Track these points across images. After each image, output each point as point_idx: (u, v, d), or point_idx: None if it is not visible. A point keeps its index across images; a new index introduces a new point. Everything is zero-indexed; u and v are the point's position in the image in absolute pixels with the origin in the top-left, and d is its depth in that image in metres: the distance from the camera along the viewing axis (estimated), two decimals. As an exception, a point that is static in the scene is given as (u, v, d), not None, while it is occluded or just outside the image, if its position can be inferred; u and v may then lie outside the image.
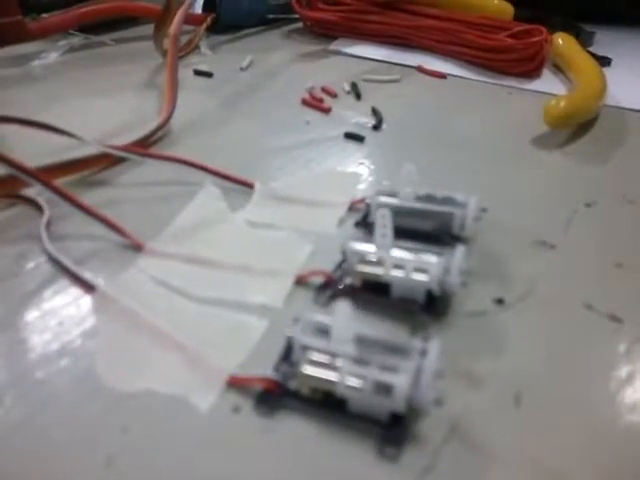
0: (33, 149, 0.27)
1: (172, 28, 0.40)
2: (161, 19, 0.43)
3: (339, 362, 0.17)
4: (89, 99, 0.38)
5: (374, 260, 0.22)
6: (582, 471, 0.16)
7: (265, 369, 0.18)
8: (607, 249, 0.25)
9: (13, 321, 0.21)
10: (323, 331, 0.19)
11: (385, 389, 0.17)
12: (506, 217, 0.27)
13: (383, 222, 0.21)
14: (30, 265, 0.23)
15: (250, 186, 0.28)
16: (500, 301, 0.22)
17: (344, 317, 0.17)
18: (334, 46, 0.50)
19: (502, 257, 0.24)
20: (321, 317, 0.19)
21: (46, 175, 0.25)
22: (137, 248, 0.24)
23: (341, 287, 0.22)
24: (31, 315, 0.21)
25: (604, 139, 0.36)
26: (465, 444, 0.17)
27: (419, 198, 0.25)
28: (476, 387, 0.19)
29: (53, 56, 0.47)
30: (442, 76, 0.45)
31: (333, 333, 0.17)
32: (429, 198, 0.25)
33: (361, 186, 0.30)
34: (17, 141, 0.29)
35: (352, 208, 0.27)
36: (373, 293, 0.22)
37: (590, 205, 0.28)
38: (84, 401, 0.18)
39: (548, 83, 0.44)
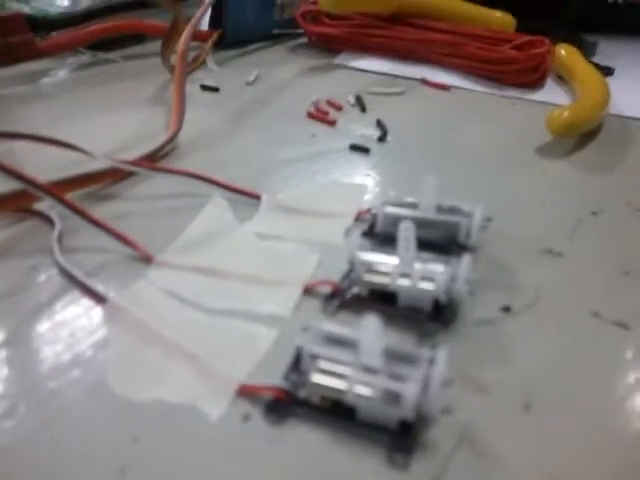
0: (43, 164, 0.28)
1: (180, 44, 0.40)
2: (168, 36, 0.44)
3: (348, 371, 0.17)
4: (98, 115, 0.39)
5: (381, 270, 0.22)
6: (593, 478, 0.16)
7: (274, 378, 0.19)
8: (614, 257, 0.25)
9: (25, 333, 0.21)
10: (332, 340, 0.19)
11: (394, 397, 0.17)
12: (512, 226, 0.27)
13: (406, 235, 0.21)
14: (42, 278, 0.24)
15: (257, 198, 0.29)
16: (507, 309, 0.22)
17: (373, 331, 0.17)
18: (339, 60, 0.50)
19: (508, 265, 0.25)
20: (330, 326, 0.19)
21: (57, 189, 0.26)
22: (147, 260, 0.24)
23: (348, 296, 0.22)
24: (43, 327, 0.21)
25: (608, 148, 0.36)
26: (474, 452, 0.17)
27: (426, 208, 0.25)
28: (484, 395, 0.19)
29: (62, 73, 0.47)
30: (446, 88, 0.45)
31: (362, 347, 0.17)
32: (436, 208, 0.25)
33: (367, 197, 0.30)
34: (27, 156, 0.30)
35: (359, 218, 0.28)
36: (380, 302, 0.22)
37: (596, 213, 0.29)
38: (96, 411, 0.18)
39: (551, 93, 0.44)
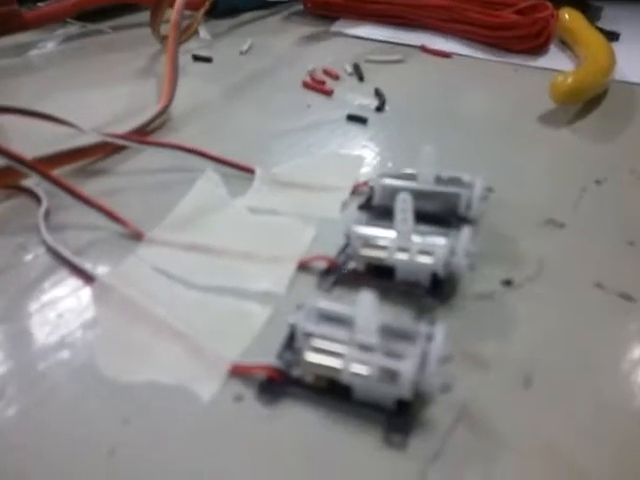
0: (31, 139, 0.27)
1: (173, 14, 0.39)
2: (157, 5, 0.43)
3: (343, 349, 0.17)
4: (87, 88, 0.38)
5: (378, 244, 0.21)
6: (594, 453, 0.16)
7: (268, 357, 0.18)
8: (618, 226, 0.25)
9: (12, 313, 0.21)
10: (327, 317, 0.18)
11: (390, 375, 0.16)
12: (514, 196, 0.26)
13: (404, 207, 0.20)
14: (29, 257, 0.23)
15: (251, 172, 0.28)
16: (508, 282, 0.22)
17: (369, 308, 0.17)
18: (335, 27, 0.49)
19: (510, 237, 0.24)
20: (325, 303, 0.18)
21: (44, 165, 0.25)
22: (137, 237, 0.24)
23: (345, 272, 0.22)
24: (30, 307, 0.21)
25: (613, 115, 0.35)
26: (474, 429, 0.17)
27: (425, 180, 0.24)
28: (485, 370, 0.18)
29: (51, 45, 0.46)
30: (446, 55, 0.44)
31: (357, 324, 0.17)
32: (435, 179, 0.24)
33: (365, 169, 0.29)
34: (15, 131, 0.29)
35: (355, 191, 0.27)
36: (377, 277, 0.21)
37: (600, 182, 0.28)
38: (85, 393, 0.18)
39: (555, 59, 0.43)
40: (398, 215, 0.21)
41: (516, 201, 0.26)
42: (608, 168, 0.29)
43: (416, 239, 0.21)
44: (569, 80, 0.33)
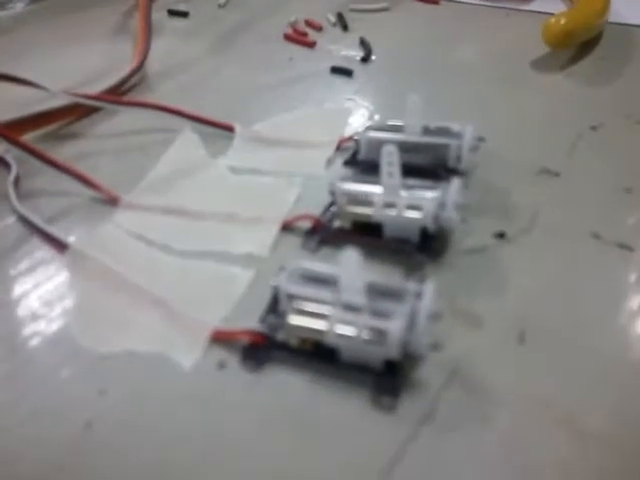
0: (-2, 103, 0.26)
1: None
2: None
3: (328, 310, 0.16)
4: (58, 48, 0.36)
5: (364, 200, 0.20)
6: (593, 408, 0.15)
7: (251, 322, 0.17)
8: (615, 174, 0.24)
9: (-17, 286, 0.20)
10: (311, 278, 0.17)
11: (378, 335, 0.15)
12: (506, 146, 0.25)
13: (390, 159, 0.19)
14: (-1, 226, 0.22)
15: (231, 130, 0.27)
16: (501, 235, 0.21)
17: (353, 266, 0.16)
18: (318, -24, 0.46)
19: (503, 189, 0.23)
20: (308, 264, 0.18)
21: (12, 131, 0.24)
22: (112, 202, 0.23)
23: (330, 231, 0.21)
24: (2, 278, 0.20)
25: (608, 58, 0.33)
26: (466, 388, 0.16)
27: (412, 131, 0.23)
28: (477, 327, 0.18)
29: (20, 5, 0.44)
30: (434, 2, 0.41)
31: (342, 283, 0.16)
32: (423, 130, 0.23)
33: (350, 123, 0.28)
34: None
35: (341, 147, 0.26)
36: (365, 235, 0.20)
37: (595, 128, 0.27)
38: (60, 364, 0.17)
39: (547, 2, 0.41)
40: (384, 169, 0.20)
41: (508, 150, 0.25)
42: (604, 113, 0.28)
43: (404, 193, 0.20)
44: (562, 22, 0.32)
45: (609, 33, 0.35)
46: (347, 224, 0.21)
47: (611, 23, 0.36)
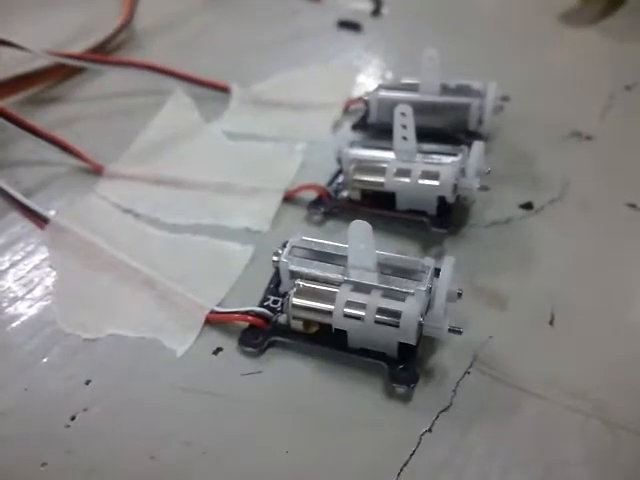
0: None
1: None
2: None
3: (336, 289, 0.15)
4: (36, 6, 0.34)
5: (375, 167, 0.19)
6: (627, 398, 0.14)
7: (250, 303, 0.16)
8: (652, 137, 0.23)
9: (-43, 264, 0.18)
10: (316, 255, 0.16)
11: (391, 317, 0.14)
12: (534, 107, 0.24)
13: (404, 121, 0.18)
14: (-26, 199, 0.21)
15: (226, 91, 0.25)
16: (528, 206, 0.20)
17: (362, 240, 0.15)
18: None
19: (530, 154, 0.22)
20: (313, 239, 0.16)
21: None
22: (96, 171, 0.22)
23: (337, 201, 0.20)
24: (-23, 257, 0.19)
25: (642, 11, 0.31)
26: (489, 375, 0.15)
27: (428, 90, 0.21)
28: (501, 308, 0.17)
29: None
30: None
31: (350, 260, 0.15)
32: (440, 89, 0.22)
33: (359, 83, 0.27)
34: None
35: (348, 109, 0.25)
36: (376, 206, 0.19)
37: (630, 88, 0.25)
38: (41, 351, 0.16)
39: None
40: (397, 132, 0.18)
41: (535, 112, 0.24)
42: (639, 72, 0.26)
43: (419, 160, 0.19)
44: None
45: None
46: (356, 194, 0.20)
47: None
